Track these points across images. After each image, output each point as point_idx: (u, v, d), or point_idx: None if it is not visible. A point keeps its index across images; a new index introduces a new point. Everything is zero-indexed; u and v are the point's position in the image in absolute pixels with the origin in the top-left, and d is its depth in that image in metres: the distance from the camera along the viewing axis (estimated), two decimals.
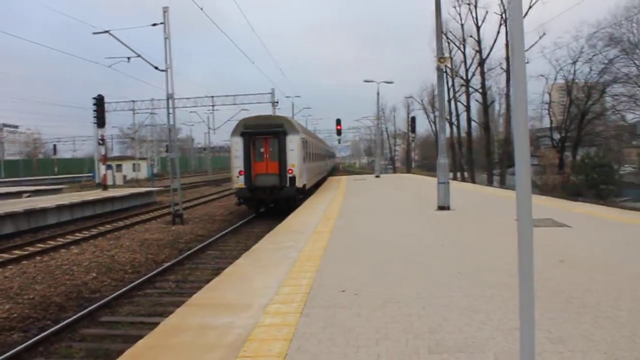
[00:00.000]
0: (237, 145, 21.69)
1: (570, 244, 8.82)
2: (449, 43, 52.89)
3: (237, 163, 21.66)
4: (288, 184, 21.45)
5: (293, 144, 21.65)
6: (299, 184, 21.73)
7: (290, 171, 21.46)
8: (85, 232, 18.52)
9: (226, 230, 18.48)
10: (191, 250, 14.74)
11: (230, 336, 4.81)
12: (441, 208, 14.43)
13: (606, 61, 43.93)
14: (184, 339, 4.81)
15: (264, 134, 21.75)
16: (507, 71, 49.60)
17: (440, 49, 15.12)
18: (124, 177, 59.46)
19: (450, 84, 56.30)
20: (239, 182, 21.56)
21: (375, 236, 10.41)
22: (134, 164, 70.63)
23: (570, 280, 6.26)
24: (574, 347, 4.22)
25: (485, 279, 6.54)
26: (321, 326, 4.97)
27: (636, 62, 43.91)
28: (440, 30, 15.33)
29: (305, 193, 23.87)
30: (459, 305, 5.50)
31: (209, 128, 75.36)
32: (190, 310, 5.83)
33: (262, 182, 21.53)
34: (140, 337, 7.23)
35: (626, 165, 52.06)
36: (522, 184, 3.24)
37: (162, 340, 4.84)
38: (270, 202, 22.43)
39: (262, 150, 21.83)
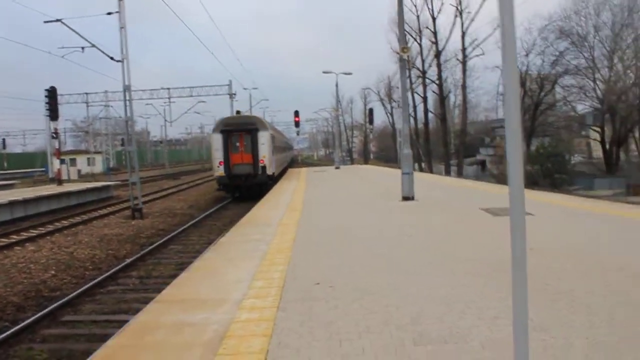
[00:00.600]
0: (217, 141, 25.44)
1: (536, 232, 8.89)
2: (405, 34, 53.21)
3: (217, 155, 25.32)
4: (260, 172, 25.36)
5: (263, 138, 25.70)
6: (269, 172, 25.70)
7: (261, 161, 25.42)
8: (41, 228, 17.84)
9: (188, 224, 18.14)
10: (153, 245, 14.38)
11: (207, 333, 4.63)
12: (405, 198, 14.46)
13: (557, 53, 45.14)
14: (158, 338, 4.60)
15: (239, 130, 25.66)
16: (463, 63, 50.51)
17: (403, 39, 15.14)
18: (79, 171, 57.88)
19: (407, 75, 56.65)
20: (220, 170, 25.18)
21: (343, 228, 10.33)
22: (88, 158, 68.71)
23: (542, 268, 6.29)
24: (556, 334, 4.21)
25: (458, 268, 6.53)
26: (300, 320, 4.84)
27: (585, 54, 45.25)
28: (402, 21, 15.31)
29: (274, 180, 27.40)
30: (436, 295, 5.45)
31: (166, 121, 74.07)
32: (161, 307, 5.61)
33: (238, 170, 25.27)
34: (106, 335, 6.98)
35: (576, 155, 53.68)
36: (515, 179, 3.18)
37: (134, 340, 4.62)
38: (245, 187, 25.56)
39: (237, 144, 25.68)
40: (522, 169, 3.22)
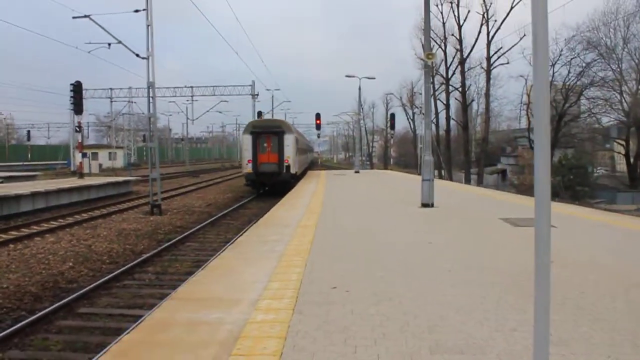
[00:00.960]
0: (247, 141, 28.24)
1: (558, 244, 8.75)
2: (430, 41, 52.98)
3: (247, 154, 28.26)
4: (285, 171, 27.85)
5: (288, 140, 28.30)
6: (292, 170, 28.25)
7: (286, 161, 27.89)
8: (61, 220, 18.06)
9: (205, 222, 18.20)
10: (170, 242, 14.44)
11: (222, 332, 4.61)
12: (425, 205, 14.36)
13: (584, 64, 44.57)
14: (173, 335, 4.59)
15: (267, 132, 28.29)
16: (487, 71, 50.13)
17: (428, 45, 15.05)
18: (100, 165, 58.54)
19: (430, 81, 56.39)
20: (248, 168, 27.90)
21: (361, 232, 10.28)
22: (110, 153, 69.44)
23: (562, 281, 6.18)
24: (576, 350, 4.12)
25: (477, 277, 6.45)
26: (315, 323, 4.80)
27: (612, 66, 44.63)
28: (428, 27, 15.27)
29: (296, 178, 30.22)
30: (454, 303, 5.38)
31: (188, 118, 74.66)
32: (177, 304, 5.61)
33: (265, 168, 27.81)
34: (120, 329, 7.03)
35: (599, 168, 52.96)
36: (542, 190, 3.09)
37: (150, 336, 4.62)
38: (271, 184, 28.26)
39: (265, 144, 28.14)
40: (549, 180, 3.15)
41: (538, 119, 3.09)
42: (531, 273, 6.05)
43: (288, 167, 27.90)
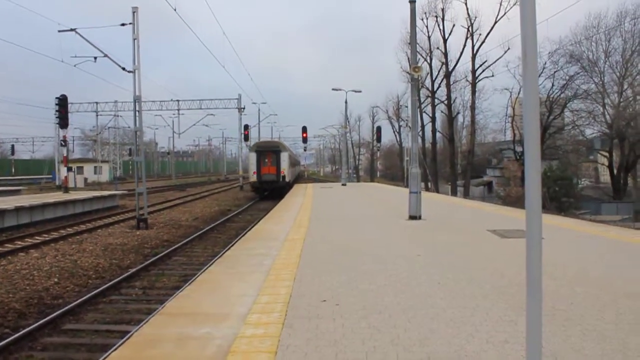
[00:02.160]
0: (253, 157, 37.14)
1: (545, 255, 8.81)
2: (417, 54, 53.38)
3: (252, 167, 36.94)
4: (281, 180, 36.69)
5: (284, 157, 37.46)
6: (287, 179, 37.56)
7: (282, 172, 36.83)
8: (45, 235, 17.82)
9: (192, 236, 18.07)
10: (157, 256, 14.31)
11: (211, 348, 4.56)
12: (412, 217, 14.38)
13: (567, 77, 45.19)
14: (162, 351, 4.53)
15: (268, 151, 37.40)
16: (473, 84, 50.59)
17: (414, 58, 15.14)
18: (85, 179, 58.07)
19: (417, 94, 56.72)
20: (253, 178, 36.69)
21: (349, 245, 10.25)
22: (95, 167, 68.98)
23: (551, 292, 6.19)
24: None
25: (466, 291, 6.45)
26: (306, 338, 4.76)
27: (595, 79, 45.29)
28: (414, 41, 15.35)
29: (290, 185, 39.64)
30: (444, 316, 5.37)
31: (174, 132, 74.44)
32: (165, 320, 5.54)
33: (266, 178, 36.46)
34: (107, 346, 6.93)
35: (583, 179, 53.51)
36: (533, 201, 3.11)
37: (138, 352, 4.55)
38: (271, 189, 36.28)
39: (266, 160, 36.82)
40: (539, 191, 3.16)
41: (528, 130, 3.10)
42: (520, 285, 6.13)
43: (284, 177, 36.84)
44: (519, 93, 47.43)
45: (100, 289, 10.68)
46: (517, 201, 33.97)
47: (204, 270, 8.86)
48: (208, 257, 13.84)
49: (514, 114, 50.52)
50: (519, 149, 47.45)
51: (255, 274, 7.60)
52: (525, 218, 3.10)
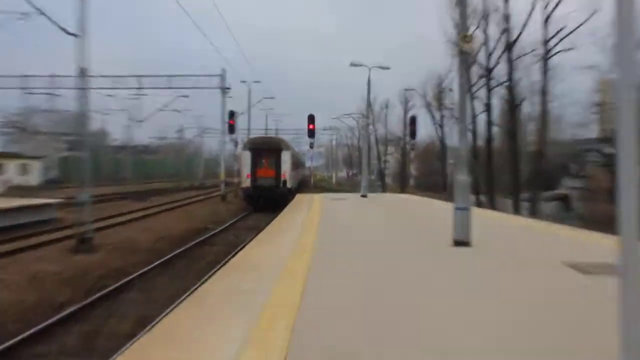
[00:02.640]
0: (247, 157, 40.21)
1: None
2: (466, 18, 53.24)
3: (246, 169, 39.93)
4: (281, 185, 39.65)
5: (286, 157, 40.41)
6: (289, 185, 40.40)
7: (283, 176, 39.68)
8: None
9: (154, 264, 18.09)
10: (103, 292, 14.31)
11: None
12: (459, 243, 14.25)
13: None
14: None
15: (265, 149, 40.42)
16: (544, 59, 50.03)
17: (464, 24, 15.08)
18: (7, 182, 58.32)
19: (467, 74, 56.46)
20: (246, 182, 39.85)
21: (369, 283, 10.11)
22: (22, 165, 69.30)
23: None
24: None
25: None
26: None
27: None
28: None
29: (292, 193, 42.08)
30: None
31: (132, 119, 74.68)
32: None
33: (262, 182, 39.46)
34: None
35: None
36: (628, 222, 3.00)
37: None
38: (268, 198, 38.86)
39: (263, 160, 39.92)
40: (637, 209, 3.06)
41: (624, 125, 3.01)
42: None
43: (285, 181, 39.70)
44: (610, 73, 47.16)
45: (23, 335, 10.67)
46: (608, 223, 33.72)
47: (168, 313, 8.80)
48: (174, 294, 13.84)
49: (603, 101, 50.13)
50: (609, 150, 47.12)
51: (238, 319, 7.54)
52: (619, 247, 2.99)
